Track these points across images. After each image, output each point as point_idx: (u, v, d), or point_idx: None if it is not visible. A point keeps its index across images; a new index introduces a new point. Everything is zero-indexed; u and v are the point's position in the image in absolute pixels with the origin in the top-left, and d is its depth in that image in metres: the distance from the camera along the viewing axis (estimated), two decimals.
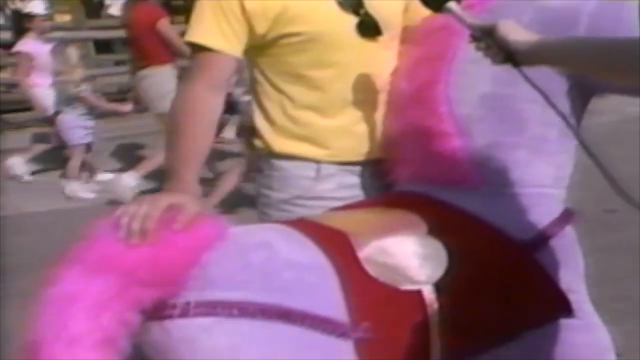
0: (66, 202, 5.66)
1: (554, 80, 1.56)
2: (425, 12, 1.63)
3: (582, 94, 1.64)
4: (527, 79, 1.40)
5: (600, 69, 1.37)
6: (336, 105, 1.70)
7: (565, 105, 1.59)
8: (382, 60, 1.73)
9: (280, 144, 1.72)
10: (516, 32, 1.38)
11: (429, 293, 1.41)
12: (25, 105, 7.07)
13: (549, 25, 1.56)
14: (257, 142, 1.79)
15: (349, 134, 1.71)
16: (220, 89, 1.66)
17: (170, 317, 1.28)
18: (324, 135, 1.70)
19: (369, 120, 1.72)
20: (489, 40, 1.42)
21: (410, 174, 1.67)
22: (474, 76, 1.61)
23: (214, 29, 1.62)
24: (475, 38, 1.46)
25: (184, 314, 1.28)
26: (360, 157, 1.73)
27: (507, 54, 1.40)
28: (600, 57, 1.30)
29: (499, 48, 1.40)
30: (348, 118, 1.70)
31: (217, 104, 1.65)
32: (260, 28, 1.62)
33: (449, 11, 1.49)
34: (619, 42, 1.30)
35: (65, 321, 1.21)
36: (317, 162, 1.71)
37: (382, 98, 1.73)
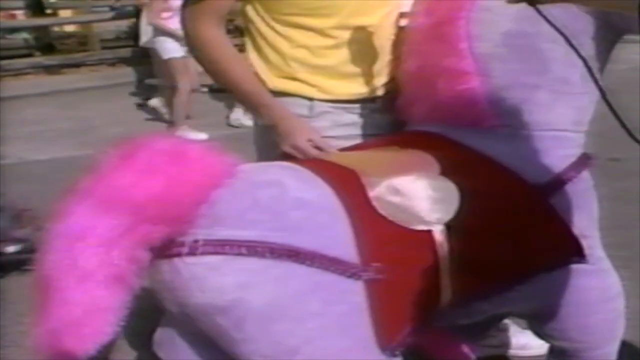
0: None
1: (579, 20, 1.50)
2: None
3: (608, 36, 1.57)
4: (546, 19, 1.34)
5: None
6: (331, 45, 1.66)
7: (589, 47, 1.53)
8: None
9: (273, 81, 1.70)
10: None
11: (440, 234, 1.39)
12: (24, 52, 6.97)
13: None
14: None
15: (342, 74, 1.68)
16: (223, 23, 1.68)
17: (178, 255, 1.27)
18: (317, 74, 1.67)
19: (364, 60, 1.69)
20: None
21: (425, 113, 1.63)
22: (496, 12, 1.54)
23: None
24: None
25: (193, 252, 1.27)
26: (354, 96, 1.70)
27: None
28: None
29: None
30: (343, 57, 1.67)
31: (224, 35, 1.69)
32: None
33: None
34: None
35: (75, 257, 1.20)
36: (310, 99, 1.68)
37: (380, 37, 1.69)
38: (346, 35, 1.65)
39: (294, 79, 1.68)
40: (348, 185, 1.39)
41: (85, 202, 1.25)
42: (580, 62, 1.41)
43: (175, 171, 1.26)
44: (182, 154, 1.29)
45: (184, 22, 1.69)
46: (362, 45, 1.67)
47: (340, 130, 1.69)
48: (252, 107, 1.73)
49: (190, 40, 1.71)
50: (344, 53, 1.67)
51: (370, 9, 1.66)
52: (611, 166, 3.92)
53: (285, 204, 1.32)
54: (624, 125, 1.28)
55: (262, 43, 1.70)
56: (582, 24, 1.51)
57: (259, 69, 1.71)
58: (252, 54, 1.73)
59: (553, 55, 1.53)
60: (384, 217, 1.37)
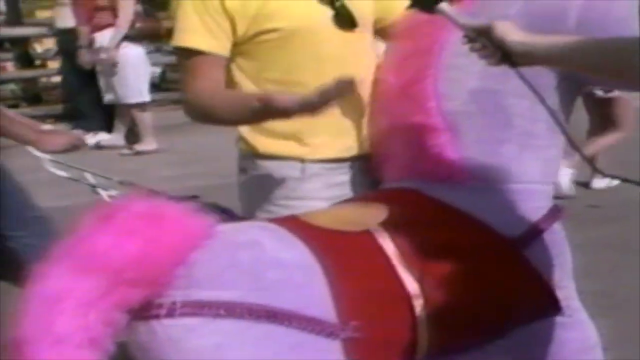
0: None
1: (543, 75, 1.55)
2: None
3: (570, 88, 1.63)
4: (523, 79, 1.39)
5: (595, 70, 1.38)
6: None
7: (554, 99, 1.58)
8: (359, 51, 1.73)
9: (264, 143, 1.71)
10: (513, 33, 1.37)
11: (415, 290, 1.41)
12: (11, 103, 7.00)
13: (537, 18, 1.55)
14: (240, 143, 1.78)
15: (333, 129, 1.70)
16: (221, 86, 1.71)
17: (156, 317, 1.28)
18: (307, 132, 1.69)
19: (353, 114, 1.71)
20: (484, 41, 1.40)
21: (399, 170, 1.66)
22: (462, 71, 1.59)
23: (202, 30, 1.63)
24: (469, 38, 1.45)
25: (170, 313, 1.27)
26: (345, 153, 1.72)
27: (503, 55, 1.39)
28: (596, 58, 1.31)
29: (495, 48, 1.39)
30: (331, 113, 1.65)
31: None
32: (241, 27, 1.64)
33: (442, 13, 1.47)
34: (614, 44, 1.30)
35: (52, 320, 1.20)
36: (302, 161, 1.70)
37: (364, 91, 1.72)
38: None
39: (285, 138, 1.69)
40: (325, 245, 1.41)
41: (62, 265, 1.26)
42: (545, 116, 1.47)
43: (153, 233, 1.28)
44: (160, 216, 1.31)
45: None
46: (350, 100, 1.69)
47: (332, 191, 1.71)
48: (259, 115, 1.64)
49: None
50: (334, 109, 1.67)
51: (353, 62, 1.70)
52: (590, 213, 4.00)
53: (263, 265, 1.34)
54: (594, 168, 1.32)
55: None
56: (545, 78, 1.56)
57: (248, 133, 1.73)
58: None
59: (518, 110, 1.58)
60: (361, 276, 1.39)
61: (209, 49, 1.65)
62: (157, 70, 8.74)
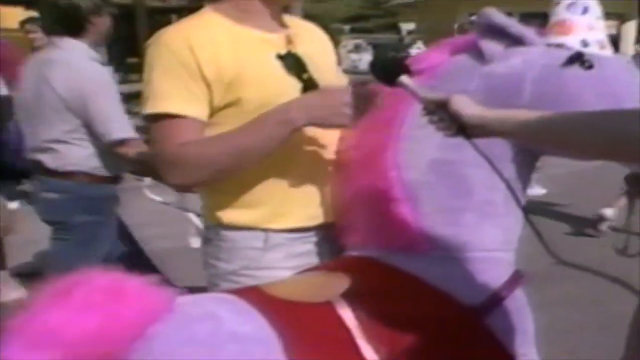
0: None
1: (499, 146, 1.59)
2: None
3: (527, 159, 1.67)
4: (478, 150, 1.43)
5: (546, 143, 1.43)
6: (284, 169, 1.69)
7: (510, 170, 1.62)
8: None
9: (227, 214, 1.71)
10: (469, 107, 1.42)
11: (374, 357, 1.41)
12: None
13: (494, 91, 1.60)
14: (204, 213, 1.77)
15: (297, 199, 1.71)
16: None
17: None
18: (272, 202, 1.69)
19: (317, 184, 1.73)
20: (441, 113, 1.45)
21: (361, 239, 1.68)
22: (421, 142, 1.63)
23: (181, 95, 1.58)
24: (428, 111, 1.49)
25: None
26: (309, 222, 1.73)
27: (459, 127, 1.43)
28: (546, 133, 1.34)
29: (451, 121, 1.44)
30: (296, 182, 1.70)
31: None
32: (217, 95, 1.60)
33: (402, 85, 1.51)
34: (566, 118, 1.35)
35: None
36: (265, 231, 1.69)
37: (329, 162, 1.74)
38: (301, 154, 1.69)
39: (249, 208, 1.69)
40: (283, 316, 1.41)
41: (18, 340, 1.24)
42: (502, 185, 1.50)
43: (111, 309, 1.27)
44: (119, 291, 1.30)
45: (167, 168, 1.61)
46: (314, 170, 1.72)
47: (295, 260, 1.71)
48: (271, 136, 1.59)
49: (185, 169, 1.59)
50: (299, 174, 1.70)
51: (319, 132, 1.70)
52: (552, 271, 4.02)
53: (221, 339, 1.33)
54: (546, 246, 1.36)
55: None
56: (502, 149, 1.60)
57: (212, 203, 1.72)
58: (204, 189, 1.73)
59: (476, 180, 1.61)
60: (319, 347, 1.39)
61: (190, 114, 1.59)
62: None
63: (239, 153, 1.58)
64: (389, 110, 1.66)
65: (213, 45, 1.60)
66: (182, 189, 1.73)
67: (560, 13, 1.67)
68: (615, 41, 14.86)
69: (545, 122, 1.32)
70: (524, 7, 10.64)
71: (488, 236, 1.63)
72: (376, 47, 24.24)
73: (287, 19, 1.78)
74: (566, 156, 1.67)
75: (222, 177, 1.62)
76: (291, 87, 1.67)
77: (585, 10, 1.65)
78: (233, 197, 1.69)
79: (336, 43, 2.42)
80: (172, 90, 1.58)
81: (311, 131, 1.68)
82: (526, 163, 1.68)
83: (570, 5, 1.66)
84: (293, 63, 1.69)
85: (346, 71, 2.18)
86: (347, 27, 27.11)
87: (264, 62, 1.65)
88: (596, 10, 1.67)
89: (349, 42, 22.97)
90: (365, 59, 22.65)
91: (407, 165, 1.62)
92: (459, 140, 1.46)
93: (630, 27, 16.12)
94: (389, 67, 1.53)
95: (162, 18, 13.81)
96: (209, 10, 1.70)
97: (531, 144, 1.52)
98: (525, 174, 1.69)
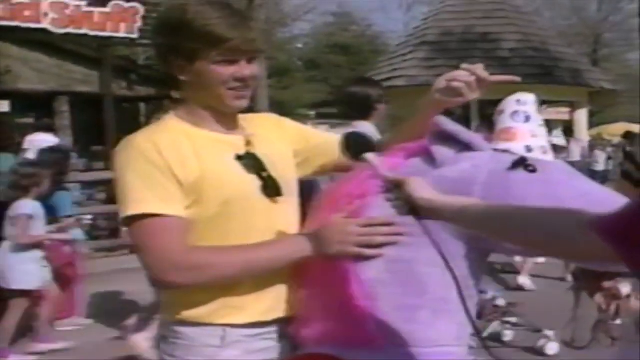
0: None
1: (452, 244, 1.68)
2: (313, 136, 1.92)
3: (478, 256, 1.75)
4: (432, 240, 1.51)
5: (488, 233, 1.52)
6: None
7: (462, 267, 1.69)
8: (284, 218, 1.82)
9: (185, 311, 1.72)
10: (423, 190, 1.53)
11: None
12: None
13: (446, 194, 1.70)
14: (162, 311, 1.78)
15: (255, 293, 1.74)
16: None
17: None
18: (229, 295, 1.72)
19: (275, 278, 1.76)
20: (397, 193, 1.56)
21: (319, 335, 1.72)
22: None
23: (159, 196, 1.63)
24: (387, 189, 1.60)
25: None
26: (266, 317, 1.75)
27: (411, 208, 1.53)
28: (490, 222, 1.43)
29: (404, 201, 1.54)
30: (260, 278, 1.73)
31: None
32: (185, 194, 1.66)
33: (367, 161, 1.62)
34: (507, 210, 1.45)
35: None
36: (222, 327, 1.71)
37: None
38: None
39: (207, 305, 1.71)
40: None
41: None
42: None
43: None
44: None
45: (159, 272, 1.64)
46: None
47: (253, 357, 1.73)
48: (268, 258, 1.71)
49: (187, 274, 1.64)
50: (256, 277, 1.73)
51: (280, 229, 1.78)
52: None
53: None
54: (485, 346, 1.43)
55: None
56: (455, 247, 1.68)
57: (170, 301, 1.75)
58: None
59: (431, 278, 1.68)
60: None
61: (170, 213, 1.63)
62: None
63: (249, 268, 1.69)
64: (348, 212, 1.74)
65: (178, 149, 1.68)
66: (167, 286, 1.70)
67: (505, 121, 1.80)
68: (568, 127, 15.37)
69: (489, 213, 1.41)
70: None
71: (443, 332, 1.68)
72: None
73: (242, 118, 1.87)
74: (513, 251, 1.75)
75: (219, 282, 1.69)
76: (251, 186, 1.75)
77: (527, 119, 1.78)
78: (189, 291, 1.70)
79: None
80: (149, 192, 1.63)
81: (268, 226, 1.75)
82: (478, 260, 1.75)
83: (513, 114, 1.79)
84: (252, 163, 1.77)
85: None
86: (312, 113, 27.67)
87: (223, 163, 1.73)
88: (537, 118, 1.80)
89: (314, 128, 23.49)
90: None
91: (365, 264, 1.69)
92: (414, 240, 1.54)
93: (581, 114, 16.76)
94: (359, 144, 1.67)
95: (130, 106, 13.98)
96: (171, 116, 1.79)
97: (475, 232, 1.61)
98: (477, 271, 1.76)
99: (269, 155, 1.81)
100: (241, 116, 1.87)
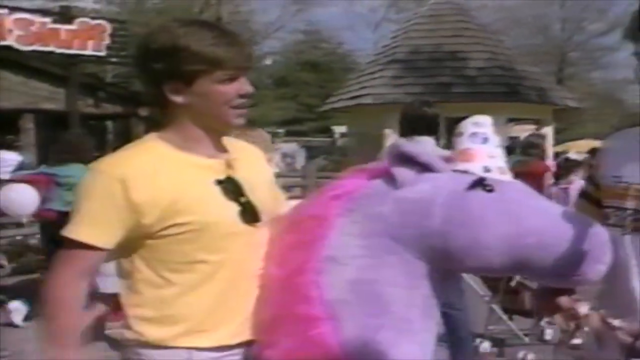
0: None
1: (416, 264, 1.70)
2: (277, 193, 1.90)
3: (440, 276, 1.76)
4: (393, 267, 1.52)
5: None
6: (206, 286, 1.73)
7: (426, 287, 1.72)
8: (259, 243, 1.82)
9: (150, 332, 1.71)
10: None
11: None
12: None
13: (407, 215, 1.71)
14: (127, 333, 1.76)
15: (220, 315, 1.74)
16: (87, 277, 1.71)
17: None
18: (194, 317, 1.71)
19: (240, 301, 1.77)
20: None
21: (281, 357, 1.71)
22: (341, 262, 1.72)
23: (100, 225, 1.66)
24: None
25: None
26: (232, 340, 1.75)
27: None
28: None
29: None
30: (218, 299, 1.74)
31: (81, 289, 1.71)
32: (149, 218, 1.66)
33: None
34: None
35: None
36: (188, 350, 1.71)
37: (251, 279, 1.80)
38: (224, 271, 1.73)
39: (172, 326, 1.70)
40: None
41: None
42: (419, 301, 1.59)
43: None
44: None
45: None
46: (238, 289, 1.76)
47: None
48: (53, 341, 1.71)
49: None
50: (222, 291, 1.74)
51: (253, 256, 1.78)
52: None
53: None
54: None
55: (145, 291, 1.72)
56: (418, 268, 1.70)
57: (134, 321, 1.73)
58: (131, 308, 1.75)
59: (394, 298, 1.69)
60: None
61: (96, 243, 1.66)
62: None
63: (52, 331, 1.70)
64: (311, 233, 1.75)
65: (149, 174, 1.67)
66: None
67: (463, 142, 1.82)
68: None
69: None
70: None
71: (405, 351, 1.70)
72: (310, 149, 24.87)
73: (227, 142, 1.87)
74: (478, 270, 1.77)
75: None
76: (229, 210, 1.75)
77: (485, 140, 1.81)
78: (153, 312, 1.70)
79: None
80: (90, 219, 1.66)
81: (245, 251, 1.75)
82: (440, 280, 1.77)
83: (471, 136, 1.82)
84: (231, 188, 1.77)
85: (280, 174, 2.29)
86: (282, 131, 27.74)
87: (203, 187, 1.73)
88: (495, 140, 1.83)
89: (283, 145, 23.53)
90: (299, 160, 23.14)
91: (328, 284, 1.70)
92: (378, 261, 1.55)
93: (547, 132, 17.01)
94: None
95: (97, 124, 13.87)
96: (154, 137, 1.78)
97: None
98: (439, 288, 1.78)
99: (249, 180, 1.81)
100: (227, 139, 1.87)
